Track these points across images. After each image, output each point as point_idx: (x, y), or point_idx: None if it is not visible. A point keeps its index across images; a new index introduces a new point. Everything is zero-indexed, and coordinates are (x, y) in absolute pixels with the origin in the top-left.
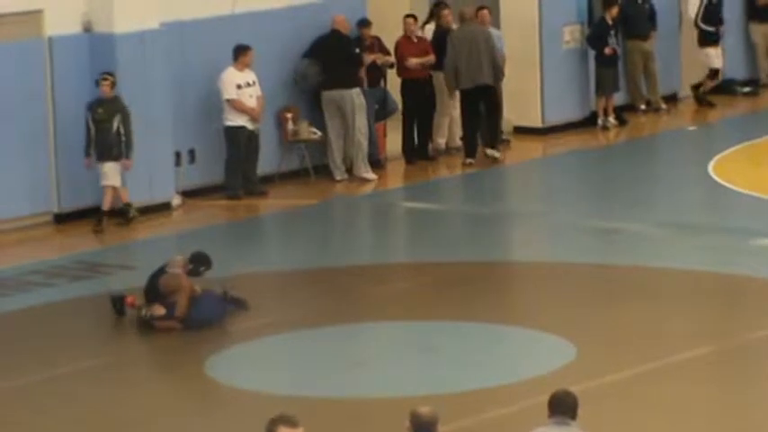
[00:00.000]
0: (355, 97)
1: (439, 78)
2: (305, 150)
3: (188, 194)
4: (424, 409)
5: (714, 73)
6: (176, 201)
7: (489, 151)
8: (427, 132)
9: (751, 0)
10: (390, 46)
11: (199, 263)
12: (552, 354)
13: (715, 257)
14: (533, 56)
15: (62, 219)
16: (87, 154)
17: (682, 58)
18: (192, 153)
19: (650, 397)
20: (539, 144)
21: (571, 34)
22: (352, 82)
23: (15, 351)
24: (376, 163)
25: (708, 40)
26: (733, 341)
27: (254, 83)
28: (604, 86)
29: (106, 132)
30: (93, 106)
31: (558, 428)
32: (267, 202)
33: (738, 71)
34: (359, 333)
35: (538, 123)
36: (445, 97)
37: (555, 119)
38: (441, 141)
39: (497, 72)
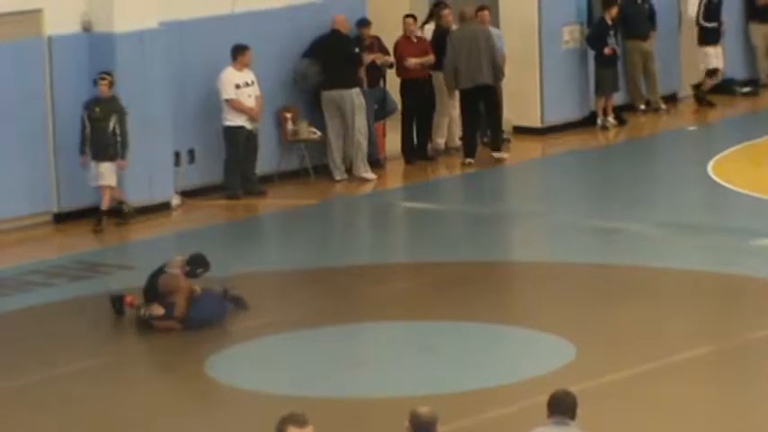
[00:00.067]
0: (355, 97)
1: (438, 78)
2: (304, 150)
3: (187, 194)
4: (424, 409)
5: (712, 72)
6: (176, 201)
7: (496, 154)
8: (427, 132)
9: (751, 0)
10: (390, 46)
11: (196, 265)
12: (552, 354)
13: (715, 257)
14: (533, 56)
15: (61, 218)
16: (82, 152)
17: (681, 58)
18: (191, 153)
19: (650, 397)
20: (538, 144)
21: (570, 34)
22: (352, 82)
23: (15, 351)
24: (375, 163)
25: (708, 38)
26: (733, 341)
27: (252, 83)
28: (604, 86)
29: (102, 132)
30: (90, 105)
31: (557, 428)
32: (266, 201)
33: (738, 71)
34: (359, 333)
35: (537, 123)
36: (445, 97)
37: (554, 119)
38: (440, 141)
39: (497, 72)
